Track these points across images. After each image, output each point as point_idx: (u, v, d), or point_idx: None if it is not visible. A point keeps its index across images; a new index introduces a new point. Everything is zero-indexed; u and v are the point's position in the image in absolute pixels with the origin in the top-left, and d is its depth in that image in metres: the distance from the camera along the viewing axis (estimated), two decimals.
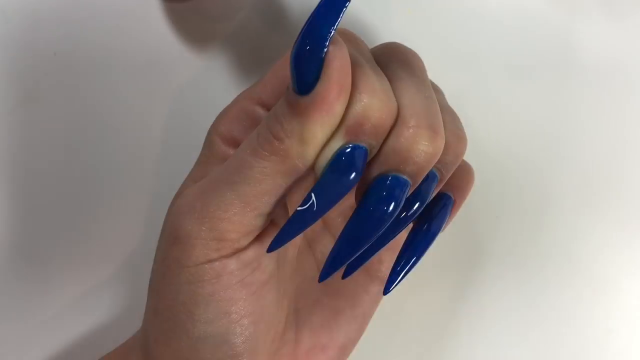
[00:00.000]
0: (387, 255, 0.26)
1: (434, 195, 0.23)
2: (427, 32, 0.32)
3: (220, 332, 0.21)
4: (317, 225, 0.27)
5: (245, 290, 0.22)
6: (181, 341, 0.22)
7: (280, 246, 0.21)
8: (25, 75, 0.30)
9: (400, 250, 0.23)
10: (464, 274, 0.31)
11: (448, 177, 0.23)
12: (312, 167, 0.21)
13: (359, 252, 0.21)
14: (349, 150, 0.20)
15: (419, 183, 0.21)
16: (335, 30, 0.19)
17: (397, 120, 0.21)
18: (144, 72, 0.31)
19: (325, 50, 0.19)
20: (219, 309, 0.21)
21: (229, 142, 0.24)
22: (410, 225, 0.24)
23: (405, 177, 0.21)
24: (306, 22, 0.19)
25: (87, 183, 0.31)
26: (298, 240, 0.26)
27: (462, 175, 0.24)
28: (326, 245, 0.28)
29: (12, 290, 0.30)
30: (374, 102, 0.20)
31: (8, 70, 0.30)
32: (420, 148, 0.20)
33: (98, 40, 0.31)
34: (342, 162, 0.20)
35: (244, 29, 0.31)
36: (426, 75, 0.23)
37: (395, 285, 0.23)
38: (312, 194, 0.20)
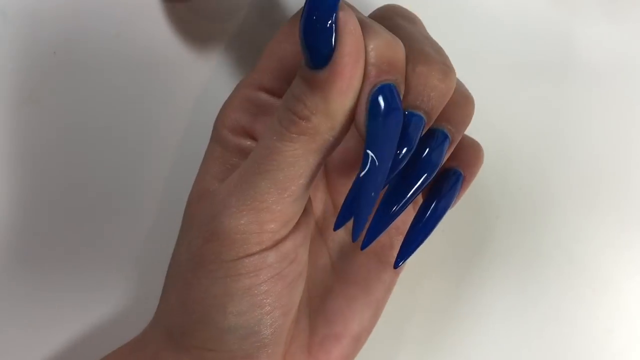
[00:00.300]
0: (398, 241, 0.26)
1: (446, 157, 0.23)
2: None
3: (251, 324, 0.21)
4: (329, 212, 0.27)
5: (281, 283, 0.21)
6: (209, 332, 0.21)
7: (364, 225, 0.21)
8: (25, 75, 0.30)
9: (410, 225, 0.23)
10: (464, 274, 0.31)
11: (458, 139, 0.23)
12: (346, 131, 0.20)
13: (377, 192, 0.20)
14: (379, 90, 0.20)
15: (432, 121, 0.21)
16: None
17: (407, 61, 0.21)
18: (144, 72, 0.31)
19: (336, 18, 0.19)
20: (253, 302, 0.21)
21: (239, 133, 0.24)
22: (420, 201, 0.24)
23: (420, 113, 0.20)
24: None
25: (87, 183, 0.31)
26: (311, 227, 0.26)
27: (471, 151, 0.24)
28: (338, 233, 0.27)
29: (12, 290, 0.30)
30: (383, 43, 0.20)
31: (8, 70, 0.30)
32: (433, 82, 0.20)
33: (98, 40, 0.31)
34: (379, 104, 0.20)
35: (244, 29, 0.31)
36: (427, 32, 0.24)
37: (405, 260, 0.23)
38: (369, 151, 0.19)
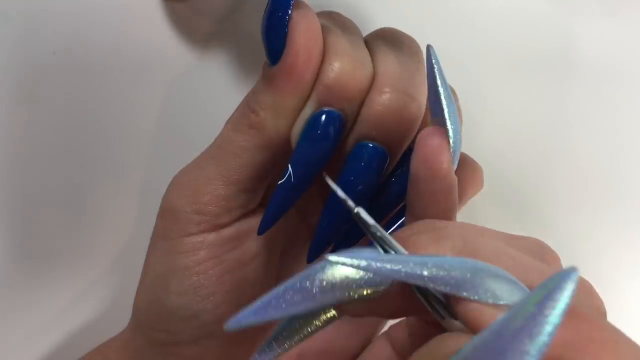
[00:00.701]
0: None
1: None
2: (426, 32, 0.32)
3: (191, 305, 0.21)
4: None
5: (220, 267, 0.22)
6: (156, 311, 0.22)
7: (268, 226, 0.21)
8: (25, 75, 0.30)
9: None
10: None
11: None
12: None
13: (343, 225, 0.21)
14: (320, 116, 0.20)
15: (399, 155, 0.21)
16: None
17: (372, 85, 0.20)
18: (144, 72, 0.31)
19: (289, 17, 0.19)
20: (192, 282, 0.21)
21: None
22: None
23: (382, 147, 0.20)
24: None
25: (86, 182, 0.31)
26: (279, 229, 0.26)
27: (466, 172, 0.24)
28: None
29: (9, 287, 0.30)
30: (345, 65, 0.20)
31: (8, 69, 0.30)
32: (393, 114, 0.20)
33: (98, 39, 0.31)
34: (314, 129, 0.20)
35: (244, 29, 0.31)
36: (419, 57, 0.23)
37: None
38: (289, 166, 0.20)
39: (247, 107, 0.21)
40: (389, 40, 0.22)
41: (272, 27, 0.19)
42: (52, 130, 0.30)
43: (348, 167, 0.21)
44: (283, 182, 0.20)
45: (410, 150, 0.20)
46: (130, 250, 0.31)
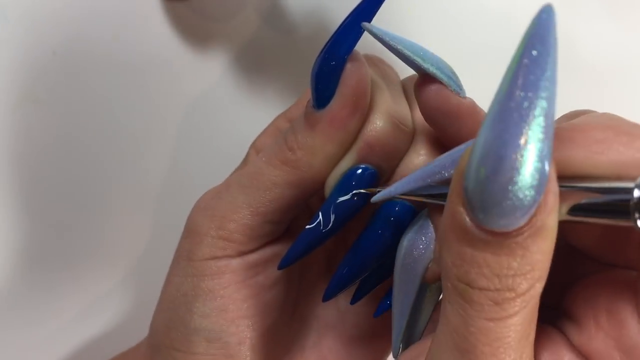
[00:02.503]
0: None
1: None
2: (426, 32, 0.32)
3: (215, 328, 0.22)
4: None
5: (245, 291, 0.22)
6: (178, 331, 0.22)
7: (289, 264, 0.21)
8: (25, 75, 0.30)
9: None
10: None
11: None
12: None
13: (363, 274, 0.21)
14: (357, 171, 0.20)
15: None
16: (354, 48, 0.19)
17: (412, 145, 0.21)
18: (144, 71, 0.31)
19: (343, 67, 0.19)
20: (217, 305, 0.22)
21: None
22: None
23: (412, 205, 0.21)
24: (328, 41, 0.20)
25: (86, 183, 0.31)
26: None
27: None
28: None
29: (16, 296, 0.30)
30: (387, 125, 0.20)
31: (8, 69, 0.30)
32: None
33: (98, 39, 0.31)
34: (349, 184, 0.20)
35: (244, 29, 0.31)
36: None
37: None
38: (320, 213, 0.20)
39: (285, 143, 0.21)
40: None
41: (325, 74, 0.20)
42: (51, 130, 0.30)
43: (376, 222, 0.21)
44: (311, 227, 0.21)
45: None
46: (131, 251, 0.31)
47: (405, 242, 0.19)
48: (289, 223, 0.23)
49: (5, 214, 0.30)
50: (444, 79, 0.19)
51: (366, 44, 0.20)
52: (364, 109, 0.20)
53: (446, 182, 0.17)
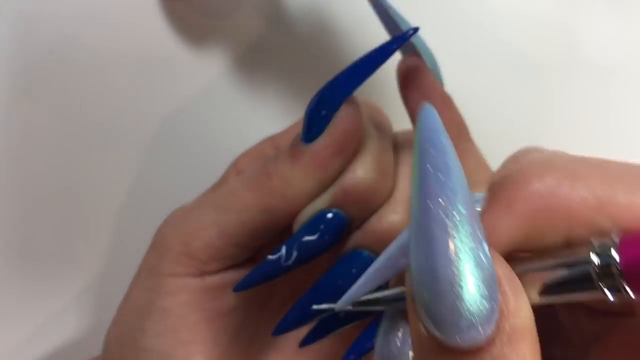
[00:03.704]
0: None
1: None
2: (430, 31, 0.31)
3: (165, 349, 0.21)
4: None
5: (200, 314, 0.21)
6: (127, 348, 0.21)
7: (243, 288, 0.21)
8: (21, 74, 0.30)
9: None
10: None
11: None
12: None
13: (313, 317, 0.21)
14: (327, 214, 0.20)
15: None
16: (351, 94, 0.19)
17: (389, 200, 0.21)
18: (142, 70, 0.31)
19: (337, 109, 0.19)
20: (168, 325, 0.21)
21: (240, 175, 0.25)
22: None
23: (366, 252, 0.21)
24: (330, 80, 0.20)
25: (84, 182, 0.30)
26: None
27: None
28: None
29: (7, 287, 0.30)
30: (367, 176, 0.20)
31: (4, 68, 0.30)
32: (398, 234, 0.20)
33: (95, 38, 0.30)
34: (318, 225, 0.20)
35: (242, 27, 0.31)
36: None
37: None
38: (284, 247, 0.20)
39: (264, 167, 0.21)
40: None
41: (318, 111, 0.20)
42: (48, 128, 0.30)
43: (338, 270, 0.21)
44: (272, 258, 0.20)
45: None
46: (129, 249, 0.31)
47: (378, 349, 0.17)
48: (255, 250, 0.22)
49: (2, 211, 0.30)
50: (430, 65, 0.20)
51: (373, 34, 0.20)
52: (348, 154, 0.20)
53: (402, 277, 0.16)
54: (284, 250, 0.20)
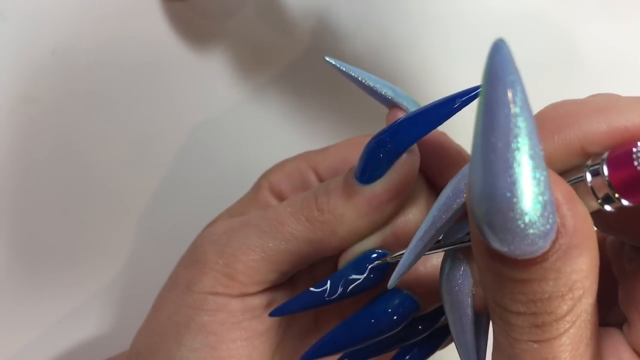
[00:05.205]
0: None
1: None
2: (428, 32, 0.32)
3: None
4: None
5: (238, 333, 0.22)
6: (162, 358, 0.22)
7: (281, 315, 0.21)
8: (24, 75, 0.30)
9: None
10: None
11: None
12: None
13: (347, 349, 0.21)
14: (375, 255, 0.20)
15: (428, 310, 0.21)
16: (416, 142, 0.19)
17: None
18: (143, 71, 0.31)
19: (399, 155, 0.19)
20: (207, 341, 0.21)
21: (274, 193, 0.25)
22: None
23: (418, 299, 0.21)
24: (395, 122, 0.20)
25: (85, 183, 0.31)
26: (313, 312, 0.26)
27: None
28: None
29: (10, 289, 0.30)
30: (420, 221, 0.20)
31: (7, 69, 0.30)
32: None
33: (97, 39, 0.30)
34: (364, 264, 0.20)
35: (244, 28, 0.31)
36: None
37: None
38: (329, 281, 0.20)
39: (315, 201, 0.21)
40: None
41: (379, 155, 0.20)
42: (50, 129, 0.30)
43: (374, 308, 0.21)
44: (316, 291, 0.21)
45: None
46: (129, 252, 0.31)
47: (444, 284, 0.18)
48: (293, 274, 0.23)
49: (3, 214, 0.30)
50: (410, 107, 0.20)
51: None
52: (404, 199, 0.20)
53: (455, 216, 0.17)
54: (328, 284, 0.20)
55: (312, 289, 0.20)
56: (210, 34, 0.31)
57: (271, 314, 0.21)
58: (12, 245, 0.30)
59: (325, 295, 0.20)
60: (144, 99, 0.31)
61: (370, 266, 0.20)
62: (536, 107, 0.34)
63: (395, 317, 0.21)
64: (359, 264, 0.20)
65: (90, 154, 0.31)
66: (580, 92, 0.33)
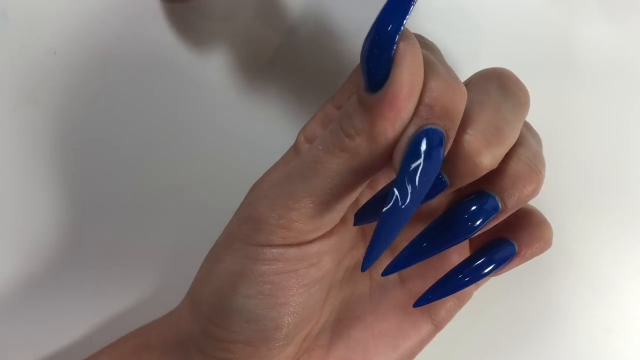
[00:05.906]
0: (449, 300, 0.26)
1: (491, 225, 0.22)
2: (425, 33, 0.32)
3: (257, 310, 0.22)
4: None
5: (295, 281, 0.22)
6: (217, 304, 0.23)
7: (375, 259, 0.20)
8: (25, 75, 0.30)
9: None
10: None
11: (512, 210, 0.22)
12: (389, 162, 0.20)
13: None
14: (423, 133, 0.19)
15: (456, 187, 0.21)
16: (404, 26, 0.18)
17: (464, 120, 0.20)
18: (144, 72, 0.31)
19: (395, 47, 0.19)
20: (262, 290, 0.22)
21: (311, 142, 0.25)
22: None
23: (446, 178, 0.21)
24: (376, 19, 0.19)
25: (86, 183, 0.31)
26: (357, 252, 0.27)
27: (532, 230, 0.24)
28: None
29: (15, 289, 0.30)
30: (443, 86, 0.19)
31: (8, 70, 0.30)
32: (477, 159, 0.20)
33: (98, 40, 0.31)
34: (419, 148, 0.19)
35: (244, 29, 0.31)
36: (521, 107, 0.23)
37: (424, 304, 0.24)
38: (395, 190, 0.19)
39: (341, 129, 0.20)
40: (490, 79, 0.23)
41: (376, 56, 0.19)
42: (52, 130, 0.30)
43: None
44: (390, 207, 0.19)
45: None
46: (129, 257, 0.31)
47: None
48: (346, 210, 0.23)
49: (3, 215, 0.30)
50: None
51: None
52: (419, 88, 0.19)
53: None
54: (396, 192, 0.19)
55: (384, 209, 0.19)
56: (211, 35, 0.31)
57: (364, 268, 0.20)
58: (12, 246, 0.30)
59: (399, 203, 0.19)
60: (144, 99, 0.31)
61: (424, 147, 0.19)
62: (535, 107, 0.35)
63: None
64: (411, 152, 0.19)
65: (91, 154, 0.31)
66: (577, 93, 0.33)
